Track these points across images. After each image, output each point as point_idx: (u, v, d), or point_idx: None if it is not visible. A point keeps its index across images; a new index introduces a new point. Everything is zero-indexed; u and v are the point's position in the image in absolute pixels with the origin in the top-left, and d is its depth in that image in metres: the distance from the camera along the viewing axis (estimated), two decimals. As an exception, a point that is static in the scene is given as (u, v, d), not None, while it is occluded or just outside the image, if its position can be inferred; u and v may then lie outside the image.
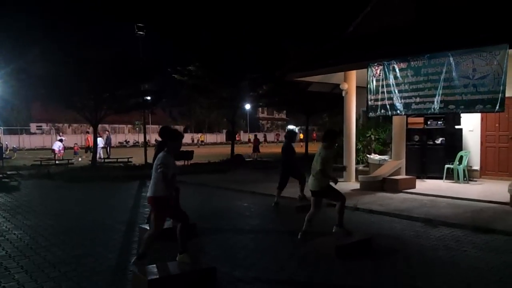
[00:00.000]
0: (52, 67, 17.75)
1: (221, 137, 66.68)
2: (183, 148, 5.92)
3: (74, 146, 28.22)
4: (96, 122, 19.81)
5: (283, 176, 9.27)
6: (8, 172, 15.79)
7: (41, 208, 9.27)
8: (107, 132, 31.74)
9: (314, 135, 58.27)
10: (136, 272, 4.64)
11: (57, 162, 21.66)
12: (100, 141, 25.03)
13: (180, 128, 66.97)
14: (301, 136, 55.34)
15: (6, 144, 31.66)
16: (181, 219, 4.95)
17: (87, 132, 32.84)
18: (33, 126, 57.47)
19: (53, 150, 24.76)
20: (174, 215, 5.08)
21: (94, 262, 5.36)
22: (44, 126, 58.54)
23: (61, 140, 24.98)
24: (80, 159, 24.60)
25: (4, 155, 22.91)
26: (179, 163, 16.99)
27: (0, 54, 19.05)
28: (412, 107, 10.02)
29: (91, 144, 28.08)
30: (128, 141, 54.92)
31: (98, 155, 22.97)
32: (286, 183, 9.29)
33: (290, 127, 72.41)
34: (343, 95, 12.49)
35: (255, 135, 34.39)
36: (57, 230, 7.16)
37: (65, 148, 26.08)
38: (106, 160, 22.77)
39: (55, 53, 18.19)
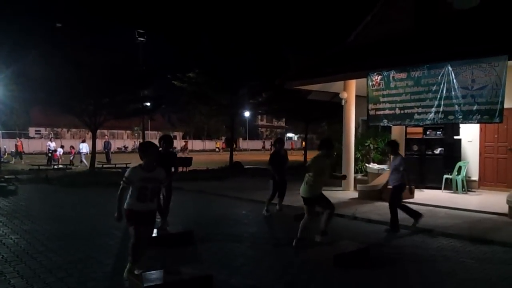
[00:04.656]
0: (51, 71, 17.76)
1: (220, 144, 66.55)
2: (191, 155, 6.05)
3: (71, 149, 28.31)
4: (95, 127, 19.81)
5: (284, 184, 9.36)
6: (6, 176, 15.75)
7: (38, 213, 9.23)
8: (106, 137, 31.71)
9: (292, 145, 59.61)
10: (132, 278, 4.62)
11: (55, 167, 21.66)
12: (85, 147, 24.99)
13: (179, 134, 67.00)
14: (292, 145, 57.12)
15: (5, 148, 31.69)
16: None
17: (19, 137, 32.93)
18: (31, 131, 57.34)
19: (51, 155, 24.89)
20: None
21: (90, 268, 5.33)
22: (43, 130, 58.45)
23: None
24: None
25: (2, 159, 22.89)
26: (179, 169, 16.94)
27: (-1, 57, 19.09)
28: (415, 117, 9.99)
29: (20, 149, 28.31)
30: (127, 147, 54.90)
31: (80, 161, 23.09)
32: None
33: (289, 135, 72.44)
34: (343, 104, 12.52)
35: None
36: (54, 235, 7.13)
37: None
38: (104, 166, 22.74)
39: (54, 57, 18.21)
